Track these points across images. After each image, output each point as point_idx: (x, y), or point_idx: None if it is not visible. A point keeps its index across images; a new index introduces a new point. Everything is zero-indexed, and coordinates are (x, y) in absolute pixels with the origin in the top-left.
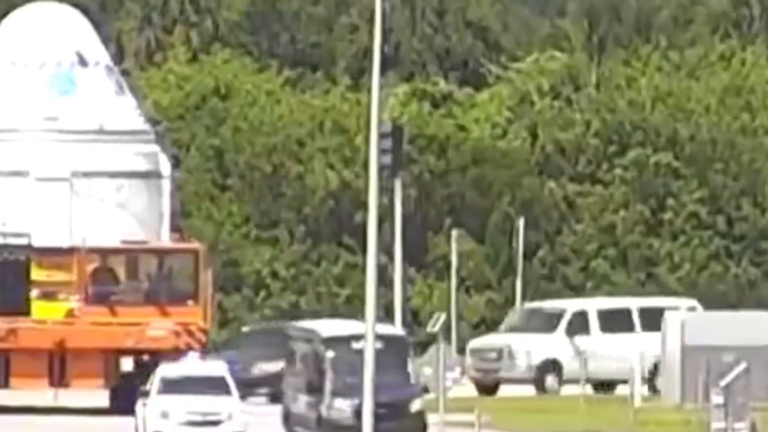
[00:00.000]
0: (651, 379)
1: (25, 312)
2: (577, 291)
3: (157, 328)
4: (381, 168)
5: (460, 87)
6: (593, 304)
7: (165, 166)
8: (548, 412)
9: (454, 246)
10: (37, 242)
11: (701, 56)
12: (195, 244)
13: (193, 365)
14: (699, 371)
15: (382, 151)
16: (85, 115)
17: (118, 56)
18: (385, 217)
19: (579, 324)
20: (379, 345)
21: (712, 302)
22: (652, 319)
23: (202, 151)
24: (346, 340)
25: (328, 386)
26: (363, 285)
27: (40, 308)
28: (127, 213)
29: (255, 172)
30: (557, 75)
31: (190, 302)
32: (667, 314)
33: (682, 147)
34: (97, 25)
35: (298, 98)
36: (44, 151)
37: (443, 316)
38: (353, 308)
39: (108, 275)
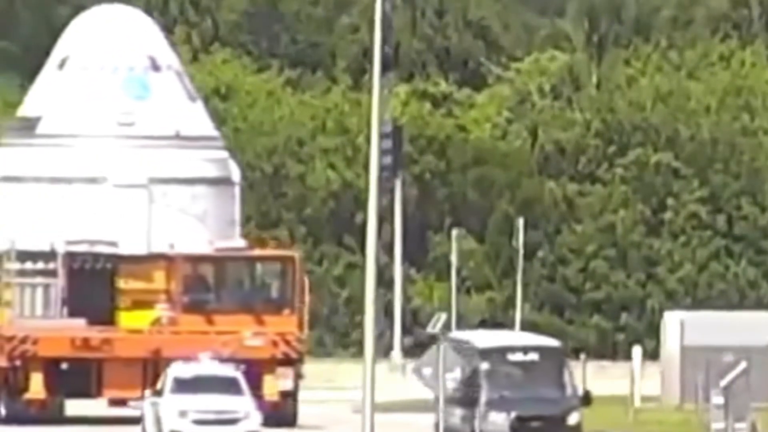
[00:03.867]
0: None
1: (111, 321)
2: (576, 291)
3: (255, 337)
4: (381, 168)
5: (460, 87)
6: None
7: (235, 172)
8: None
9: (454, 246)
10: (120, 250)
11: (701, 56)
12: (291, 252)
13: (205, 366)
14: (699, 371)
15: (382, 152)
16: (160, 120)
17: None
18: (385, 217)
19: None
20: (535, 357)
21: (712, 302)
22: None
23: None
24: (502, 351)
25: (482, 399)
26: (363, 285)
27: (126, 317)
28: (202, 219)
29: (256, 172)
30: (557, 75)
31: (286, 311)
32: (666, 314)
33: (682, 147)
34: None
35: (298, 98)
36: (121, 158)
37: (444, 317)
38: (353, 308)
39: (201, 283)
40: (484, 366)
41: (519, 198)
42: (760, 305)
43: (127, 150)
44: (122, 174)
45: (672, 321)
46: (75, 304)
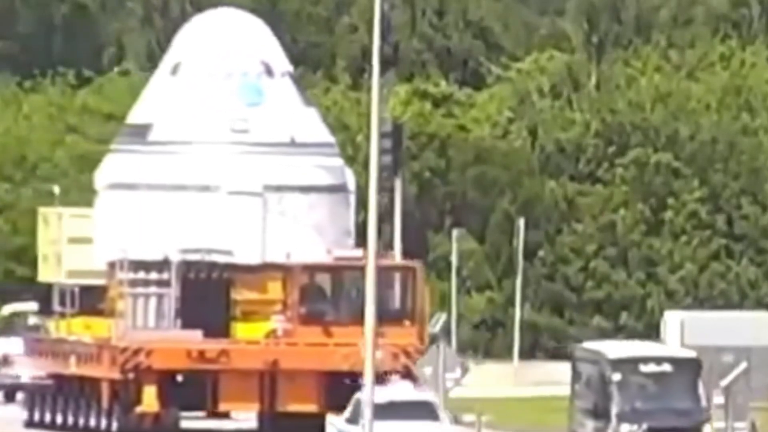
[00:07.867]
0: None
1: (226, 332)
2: (577, 291)
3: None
4: (381, 167)
5: (460, 87)
6: None
7: (351, 180)
8: (548, 412)
9: (454, 246)
10: (235, 259)
11: (701, 56)
12: (413, 262)
13: (398, 390)
14: None
15: (382, 151)
16: (275, 127)
17: (118, 57)
18: (385, 216)
19: None
20: (668, 367)
21: (712, 302)
22: None
23: None
24: (635, 362)
25: (614, 410)
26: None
27: (240, 328)
28: (317, 228)
29: None
30: (557, 75)
31: (407, 322)
32: (666, 314)
33: (682, 147)
34: (96, 26)
35: None
36: (235, 165)
37: (444, 316)
38: None
39: (318, 293)
40: (616, 377)
41: (519, 197)
42: (760, 305)
43: (241, 157)
44: (236, 181)
45: (672, 321)
46: (189, 315)
